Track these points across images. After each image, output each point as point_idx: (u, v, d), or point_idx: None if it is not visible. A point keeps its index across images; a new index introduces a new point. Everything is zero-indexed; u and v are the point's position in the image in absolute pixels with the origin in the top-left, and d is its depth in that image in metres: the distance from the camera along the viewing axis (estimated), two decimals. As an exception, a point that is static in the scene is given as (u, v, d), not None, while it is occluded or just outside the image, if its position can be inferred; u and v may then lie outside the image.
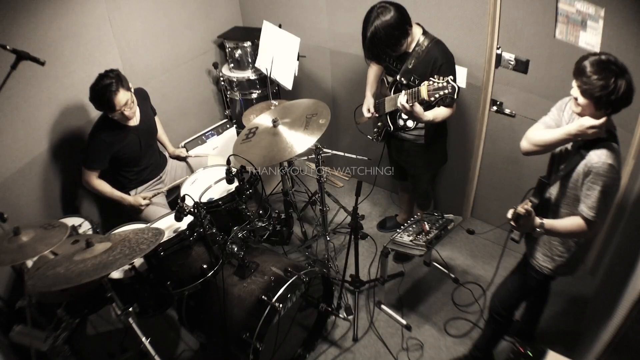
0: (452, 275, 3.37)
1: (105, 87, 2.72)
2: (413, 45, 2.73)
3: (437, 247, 3.28)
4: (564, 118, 2.12)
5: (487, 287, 3.22)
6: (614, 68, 1.79)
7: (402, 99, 2.57)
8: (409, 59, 2.75)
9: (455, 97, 2.38)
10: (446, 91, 2.37)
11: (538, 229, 2.02)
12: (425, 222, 2.85)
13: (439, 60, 2.67)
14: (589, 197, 1.94)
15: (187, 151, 3.60)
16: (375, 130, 3.22)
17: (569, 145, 2.09)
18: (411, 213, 3.79)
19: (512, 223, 2.00)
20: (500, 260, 2.54)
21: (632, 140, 2.66)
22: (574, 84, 1.91)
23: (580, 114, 1.96)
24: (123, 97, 2.78)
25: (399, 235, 2.79)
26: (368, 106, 3.13)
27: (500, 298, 2.55)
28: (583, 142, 1.99)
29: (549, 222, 2.03)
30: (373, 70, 3.16)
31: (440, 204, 3.89)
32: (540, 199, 2.15)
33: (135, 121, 3.04)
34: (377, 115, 3.10)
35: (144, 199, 3.13)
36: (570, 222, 2.03)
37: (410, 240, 2.71)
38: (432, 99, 2.40)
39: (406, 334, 3.04)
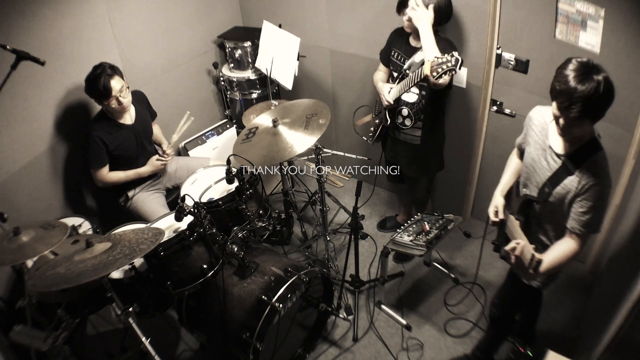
0: (452, 276, 3.36)
1: (100, 73, 2.80)
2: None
3: (437, 247, 3.27)
4: (534, 133, 2.07)
5: (487, 287, 3.22)
6: (592, 70, 1.67)
7: (427, 66, 2.49)
8: (417, 53, 2.79)
9: (459, 69, 2.35)
10: (450, 64, 2.35)
11: (534, 270, 1.88)
12: (425, 222, 2.85)
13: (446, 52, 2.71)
14: (587, 214, 1.85)
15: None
16: (371, 129, 3.22)
17: (550, 161, 1.99)
18: (410, 214, 3.79)
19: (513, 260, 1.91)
20: (479, 263, 2.56)
21: (632, 140, 2.66)
22: (559, 113, 1.76)
23: (569, 137, 1.87)
24: (118, 82, 2.85)
25: (399, 235, 2.80)
26: (388, 89, 2.98)
27: (497, 305, 2.56)
28: (569, 155, 1.90)
29: (545, 263, 1.88)
30: (379, 76, 3.16)
31: (440, 204, 3.89)
32: (526, 217, 2.13)
33: (130, 120, 3.08)
34: (392, 104, 3.05)
35: (163, 152, 3.24)
36: (562, 252, 1.94)
37: (411, 240, 2.71)
38: (435, 73, 2.39)
39: (406, 334, 3.04)
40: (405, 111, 2.96)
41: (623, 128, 2.66)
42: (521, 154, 2.27)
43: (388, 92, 2.97)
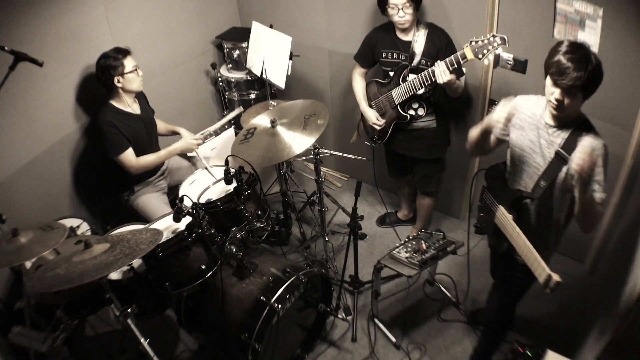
0: (454, 300, 3.23)
1: (112, 49, 2.91)
2: (412, 33, 2.87)
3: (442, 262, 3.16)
4: (525, 116, 2.10)
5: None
6: (583, 51, 1.80)
7: (442, 67, 2.63)
8: (412, 45, 2.87)
9: (507, 44, 2.45)
10: (495, 44, 2.46)
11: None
12: (422, 241, 2.80)
13: (443, 39, 2.85)
14: (597, 181, 1.90)
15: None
16: (377, 132, 3.22)
17: (542, 155, 2.05)
18: (412, 209, 3.80)
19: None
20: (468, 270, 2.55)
21: (630, 140, 2.66)
22: (554, 87, 1.85)
23: (562, 113, 1.92)
24: (131, 60, 2.95)
25: (397, 250, 2.76)
26: (375, 115, 3.16)
27: (494, 309, 2.56)
28: (563, 145, 1.96)
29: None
30: (360, 85, 3.25)
31: (439, 203, 3.89)
32: (520, 212, 2.15)
33: (138, 110, 3.11)
34: (383, 121, 3.14)
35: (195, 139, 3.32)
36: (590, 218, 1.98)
37: (406, 258, 2.69)
38: (481, 55, 2.50)
39: (406, 336, 3.04)
40: (415, 104, 3.02)
41: (622, 127, 2.66)
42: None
43: (377, 119, 3.14)
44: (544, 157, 2.05)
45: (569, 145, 1.94)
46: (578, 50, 1.80)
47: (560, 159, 1.96)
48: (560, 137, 1.98)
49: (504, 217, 2.14)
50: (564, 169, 1.96)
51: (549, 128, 2.01)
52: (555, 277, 1.86)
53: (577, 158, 1.76)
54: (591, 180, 1.89)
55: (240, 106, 3.83)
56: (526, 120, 2.10)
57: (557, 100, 1.86)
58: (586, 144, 1.87)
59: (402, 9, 2.73)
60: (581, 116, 1.96)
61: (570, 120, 1.96)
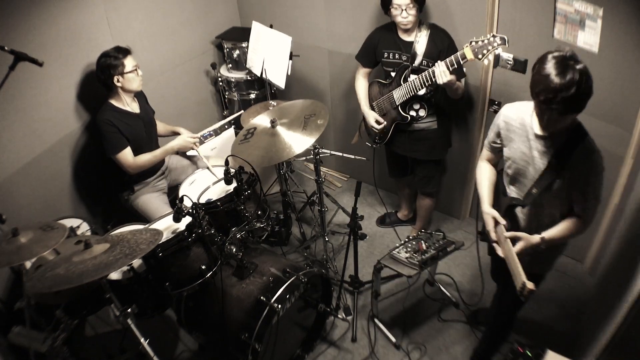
0: (453, 300, 3.22)
1: (114, 48, 2.90)
2: (414, 33, 2.87)
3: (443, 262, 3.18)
4: (515, 128, 2.04)
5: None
6: (571, 68, 1.67)
7: (442, 67, 2.64)
8: (413, 45, 2.87)
9: (507, 44, 2.45)
10: (495, 44, 2.47)
11: (542, 247, 1.98)
12: (422, 241, 2.79)
13: (445, 40, 2.85)
14: (588, 192, 1.90)
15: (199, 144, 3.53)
16: (378, 133, 3.22)
17: (534, 166, 2.00)
18: (412, 209, 3.79)
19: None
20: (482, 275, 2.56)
21: (630, 140, 2.66)
22: (544, 112, 1.79)
23: (551, 128, 1.87)
24: (131, 60, 2.94)
25: (397, 250, 2.76)
26: (375, 118, 3.15)
27: (495, 311, 2.55)
28: (556, 154, 1.91)
29: (548, 235, 1.97)
30: (362, 85, 3.25)
31: (439, 204, 3.89)
32: (512, 219, 2.14)
33: (137, 109, 3.10)
34: (384, 123, 3.13)
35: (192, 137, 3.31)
36: (566, 226, 1.98)
37: (406, 258, 2.68)
38: (480, 55, 2.51)
39: (406, 336, 3.04)
40: (416, 104, 3.02)
41: (622, 128, 2.66)
42: (494, 158, 2.32)
43: (377, 122, 3.13)
44: (537, 169, 1.99)
45: (563, 156, 1.89)
46: (565, 68, 1.67)
47: (553, 170, 1.92)
48: (552, 146, 1.92)
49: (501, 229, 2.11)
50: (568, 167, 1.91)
51: (540, 139, 1.94)
52: (529, 286, 1.83)
53: None
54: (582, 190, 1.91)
55: (241, 109, 3.83)
56: (515, 131, 2.03)
57: (547, 122, 1.82)
58: (580, 155, 1.86)
59: (405, 9, 2.73)
60: (574, 121, 1.90)
61: (562, 128, 1.90)
